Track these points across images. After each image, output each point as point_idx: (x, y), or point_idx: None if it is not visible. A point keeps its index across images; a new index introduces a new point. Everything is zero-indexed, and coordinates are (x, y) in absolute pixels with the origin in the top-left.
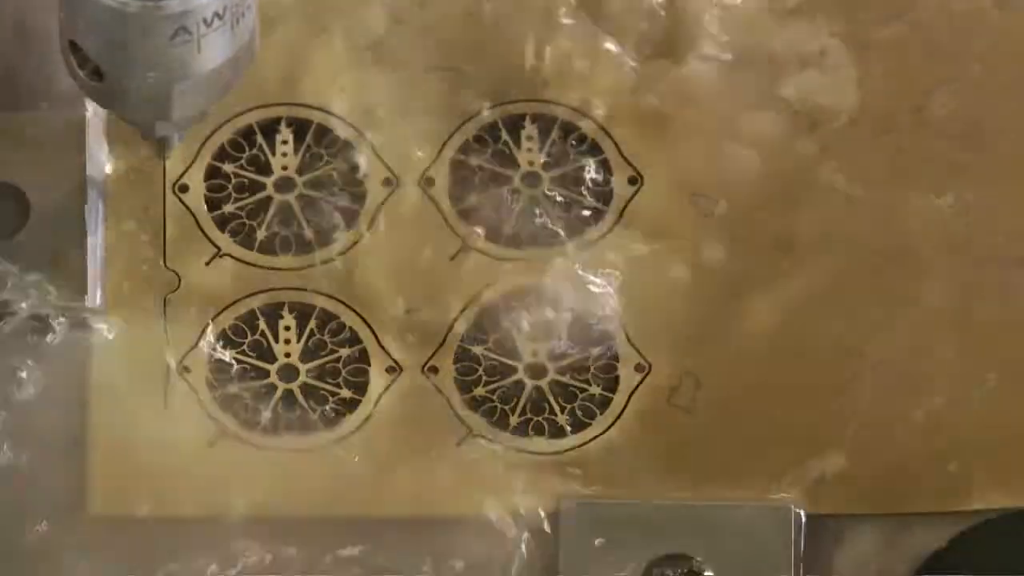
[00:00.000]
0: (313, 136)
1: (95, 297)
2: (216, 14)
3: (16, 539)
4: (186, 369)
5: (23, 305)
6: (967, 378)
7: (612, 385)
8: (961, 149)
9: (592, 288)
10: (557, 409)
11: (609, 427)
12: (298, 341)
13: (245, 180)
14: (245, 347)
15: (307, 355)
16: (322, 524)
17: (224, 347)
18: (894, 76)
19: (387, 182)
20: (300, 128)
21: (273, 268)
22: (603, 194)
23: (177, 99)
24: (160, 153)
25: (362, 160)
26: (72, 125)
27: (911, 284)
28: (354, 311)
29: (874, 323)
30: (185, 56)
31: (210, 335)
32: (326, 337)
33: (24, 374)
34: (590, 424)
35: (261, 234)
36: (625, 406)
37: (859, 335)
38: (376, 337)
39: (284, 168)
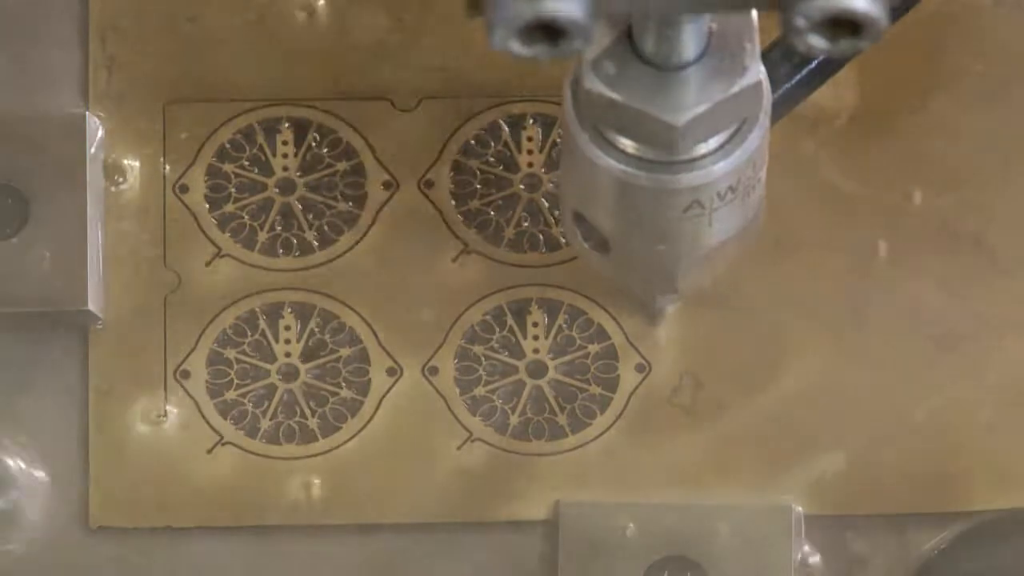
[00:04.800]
0: (314, 137)
1: (95, 298)
2: (730, 187)
3: (14, 552)
4: (186, 374)
5: (22, 306)
6: (968, 378)
7: (612, 385)
8: (961, 149)
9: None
10: (557, 409)
11: (609, 427)
12: (298, 341)
13: (246, 180)
14: (245, 347)
15: (307, 355)
16: (323, 530)
17: (224, 347)
18: (894, 76)
19: (387, 184)
20: (301, 128)
21: (274, 269)
22: None
23: (683, 272)
24: (655, 322)
25: (362, 162)
26: (72, 125)
27: (911, 283)
28: (354, 311)
29: (874, 323)
30: (697, 229)
31: (210, 336)
32: (326, 337)
33: (23, 377)
34: (590, 424)
35: (263, 236)
36: (625, 406)
37: (859, 334)
38: (376, 337)
39: (285, 169)
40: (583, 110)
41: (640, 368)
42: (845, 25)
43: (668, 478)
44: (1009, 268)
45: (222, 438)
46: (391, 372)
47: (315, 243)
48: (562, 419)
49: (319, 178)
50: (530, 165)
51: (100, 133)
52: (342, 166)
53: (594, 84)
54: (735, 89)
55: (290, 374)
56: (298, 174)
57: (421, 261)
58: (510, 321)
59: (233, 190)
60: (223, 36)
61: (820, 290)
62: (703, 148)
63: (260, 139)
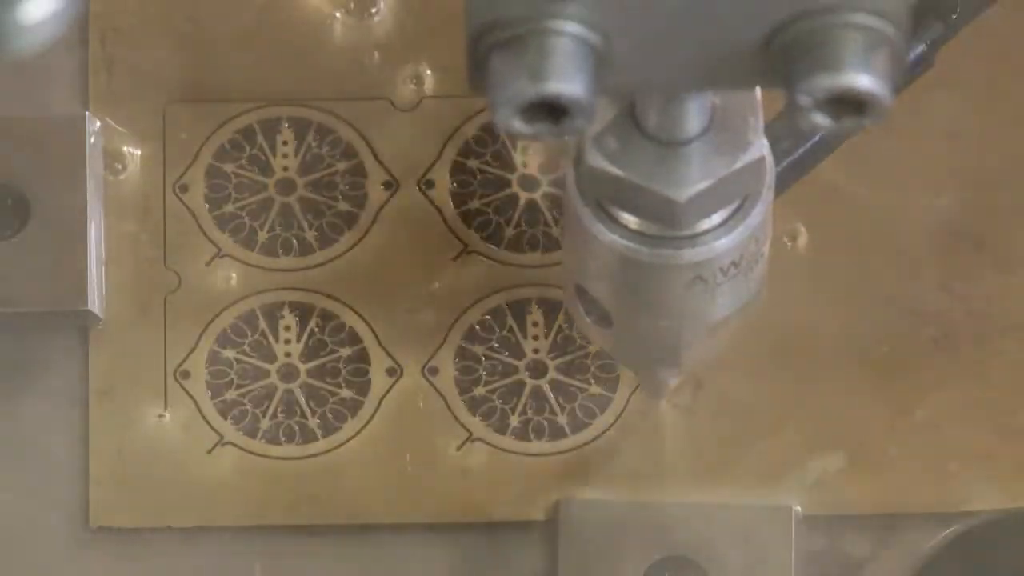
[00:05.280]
0: (314, 137)
1: (95, 298)
2: (733, 263)
3: (14, 551)
4: (186, 374)
5: (22, 306)
6: (968, 378)
7: (612, 385)
8: (961, 149)
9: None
10: (557, 409)
11: (609, 427)
12: (298, 341)
13: (246, 180)
14: (245, 347)
15: (307, 355)
16: (323, 530)
17: (224, 347)
18: None
19: (387, 185)
20: (301, 128)
21: (274, 269)
22: None
23: (686, 346)
24: (658, 396)
25: (362, 162)
26: (72, 125)
27: (911, 284)
28: (354, 311)
29: (874, 322)
30: (700, 304)
31: (210, 336)
32: (326, 337)
33: (23, 377)
34: (590, 424)
35: (263, 236)
36: (625, 406)
37: (858, 334)
38: (376, 337)
39: (285, 169)
40: (585, 185)
41: None
42: (849, 103)
43: (668, 478)
44: (1009, 268)
45: (222, 438)
46: (391, 372)
47: (315, 243)
48: (562, 419)
49: (319, 178)
50: (525, 165)
51: (100, 133)
52: (342, 166)
53: (596, 159)
54: (738, 165)
55: (290, 374)
56: (298, 174)
57: (421, 261)
58: (510, 321)
59: (233, 190)
60: (223, 36)
61: (820, 289)
62: (706, 223)
63: (260, 139)
